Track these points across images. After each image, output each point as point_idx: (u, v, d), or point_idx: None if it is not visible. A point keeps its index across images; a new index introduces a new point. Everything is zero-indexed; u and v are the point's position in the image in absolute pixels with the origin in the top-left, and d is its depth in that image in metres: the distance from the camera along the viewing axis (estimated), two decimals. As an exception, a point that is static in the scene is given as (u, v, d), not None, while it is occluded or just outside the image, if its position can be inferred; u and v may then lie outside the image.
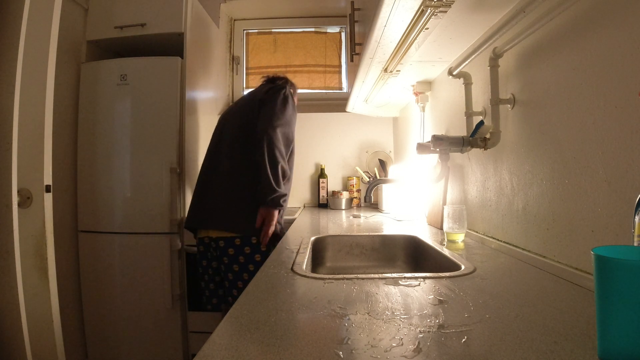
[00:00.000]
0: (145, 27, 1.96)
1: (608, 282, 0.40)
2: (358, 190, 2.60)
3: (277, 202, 1.44)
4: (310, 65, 2.87)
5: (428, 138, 1.26)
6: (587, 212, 0.72)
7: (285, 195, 1.49)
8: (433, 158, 1.54)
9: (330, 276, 0.80)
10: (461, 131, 1.26)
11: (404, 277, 0.78)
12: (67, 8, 1.85)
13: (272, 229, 1.46)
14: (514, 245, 0.98)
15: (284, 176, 1.50)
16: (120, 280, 1.91)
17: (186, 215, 1.77)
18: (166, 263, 1.88)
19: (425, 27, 1.08)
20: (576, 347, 0.45)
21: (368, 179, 2.52)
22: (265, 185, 1.43)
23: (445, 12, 0.98)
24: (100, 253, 1.93)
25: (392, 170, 2.38)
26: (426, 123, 1.75)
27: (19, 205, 1.14)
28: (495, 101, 1.03)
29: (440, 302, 0.63)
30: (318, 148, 2.69)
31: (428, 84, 1.70)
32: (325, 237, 1.32)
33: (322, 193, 2.59)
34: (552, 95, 0.83)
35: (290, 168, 1.60)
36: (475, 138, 1.11)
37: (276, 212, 1.46)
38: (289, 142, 1.56)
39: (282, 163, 1.48)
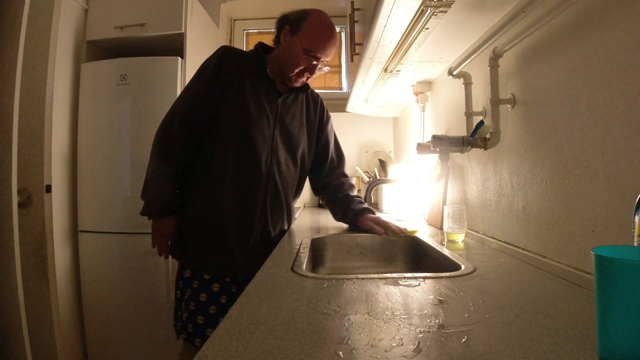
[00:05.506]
0: (145, 27, 1.96)
1: (608, 282, 0.40)
2: (358, 190, 2.59)
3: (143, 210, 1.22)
4: (310, 65, 2.87)
5: (428, 138, 1.26)
6: (587, 212, 0.72)
7: (147, 200, 1.21)
8: (433, 158, 1.54)
9: (330, 276, 0.80)
10: (461, 131, 1.26)
11: (404, 277, 0.78)
12: (67, 8, 1.85)
13: (157, 241, 1.24)
14: (514, 245, 0.98)
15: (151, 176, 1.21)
16: (120, 280, 1.91)
17: None
18: (166, 263, 1.87)
19: (425, 27, 1.08)
20: (576, 347, 0.45)
21: (368, 179, 2.51)
22: None
23: (445, 12, 0.98)
24: (100, 253, 1.93)
25: (392, 170, 2.38)
26: (426, 123, 1.75)
27: (19, 205, 1.14)
28: (495, 101, 1.03)
29: (440, 302, 0.63)
30: (318, 148, 2.69)
31: (428, 84, 1.70)
32: (325, 237, 1.32)
33: (322, 193, 2.59)
34: (552, 95, 0.83)
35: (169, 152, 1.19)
36: (475, 138, 1.11)
37: (155, 222, 1.23)
38: (169, 119, 1.21)
39: (154, 160, 1.21)
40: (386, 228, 1.27)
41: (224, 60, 1.21)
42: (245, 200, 1.21)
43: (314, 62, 1.20)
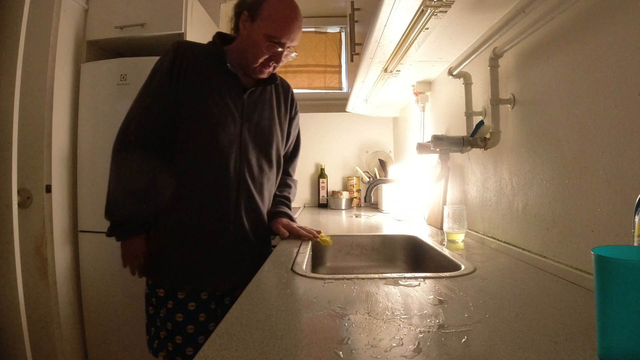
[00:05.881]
0: (145, 27, 1.96)
1: (608, 282, 0.40)
2: (358, 190, 2.59)
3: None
4: (310, 65, 2.87)
5: (428, 138, 1.26)
6: (587, 212, 0.72)
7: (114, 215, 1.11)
8: (433, 158, 1.54)
9: (330, 276, 0.80)
10: (461, 131, 1.26)
11: (404, 277, 0.78)
12: (67, 8, 1.85)
13: (129, 262, 1.17)
14: (514, 245, 0.98)
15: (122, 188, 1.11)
16: (120, 280, 1.90)
17: None
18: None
19: (425, 27, 1.08)
20: (576, 347, 0.45)
21: (368, 179, 2.52)
22: None
23: (445, 12, 0.98)
24: (100, 253, 1.93)
25: (392, 170, 2.38)
26: (426, 123, 1.75)
27: (19, 205, 1.14)
28: (495, 101, 1.03)
29: (440, 302, 0.63)
30: (318, 148, 2.69)
31: (428, 84, 1.70)
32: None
33: (322, 193, 2.59)
34: (552, 95, 0.83)
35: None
36: (475, 138, 1.11)
37: (123, 243, 1.15)
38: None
39: (114, 176, 1.11)
40: (291, 230, 1.21)
41: (177, 55, 1.09)
42: (218, 211, 1.10)
43: (279, 49, 1.07)
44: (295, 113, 1.33)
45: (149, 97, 1.11)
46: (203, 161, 1.09)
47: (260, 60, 1.08)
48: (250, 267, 1.02)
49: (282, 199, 1.30)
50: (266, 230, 1.23)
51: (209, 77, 1.11)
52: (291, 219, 1.27)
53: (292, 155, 1.38)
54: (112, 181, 1.11)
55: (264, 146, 1.18)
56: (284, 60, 1.12)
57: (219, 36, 1.17)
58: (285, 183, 1.35)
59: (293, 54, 1.13)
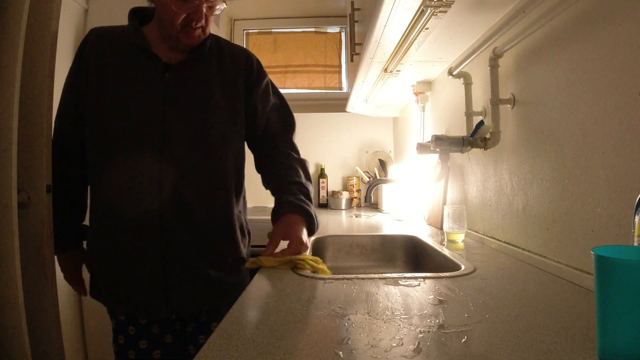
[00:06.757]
0: (145, 27, 1.96)
1: (608, 282, 0.40)
2: (358, 190, 2.60)
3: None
4: (310, 65, 2.87)
5: (428, 138, 1.26)
6: (587, 212, 0.72)
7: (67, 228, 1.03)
8: (433, 158, 1.54)
9: (330, 276, 0.80)
10: (461, 131, 1.26)
11: (404, 277, 0.78)
12: (67, 8, 1.85)
13: (67, 279, 1.07)
14: (514, 245, 0.98)
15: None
16: (120, 280, 1.90)
17: None
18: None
19: (425, 27, 1.08)
20: (576, 347, 0.45)
21: (368, 179, 2.52)
22: None
23: (445, 12, 0.98)
24: (100, 253, 1.93)
25: (392, 170, 2.38)
26: (426, 123, 1.75)
27: (19, 205, 1.14)
28: (495, 101, 1.03)
29: (440, 302, 0.63)
30: (318, 148, 2.69)
31: (428, 84, 1.70)
32: (325, 237, 1.32)
33: (322, 193, 2.59)
34: (552, 95, 0.83)
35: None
36: (475, 138, 1.11)
37: (57, 258, 1.06)
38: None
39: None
40: (291, 241, 0.91)
41: (86, 46, 0.97)
42: (136, 223, 0.91)
43: (195, 3, 0.87)
44: (258, 80, 1.04)
45: (62, 100, 1.03)
46: (113, 162, 0.93)
47: (178, 23, 0.89)
48: (203, 290, 0.92)
49: (288, 184, 1.00)
50: (228, 245, 0.99)
51: (122, 64, 0.95)
52: (305, 215, 0.95)
53: (279, 129, 1.08)
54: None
55: (201, 133, 0.95)
56: (212, 16, 0.93)
57: (134, 13, 0.98)
58: (286, 165, 1.04)
59: (219, 6, 0.92)
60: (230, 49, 1.05)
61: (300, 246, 0.89)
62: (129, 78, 0.94)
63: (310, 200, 1.00)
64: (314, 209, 0.99)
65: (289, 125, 1.11)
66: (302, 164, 1.07)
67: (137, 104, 0.92)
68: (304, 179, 1.03)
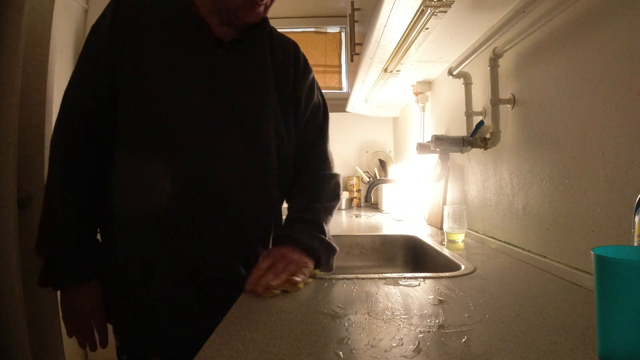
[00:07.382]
0: (145, 27, 1.96)
1: (608, 282, 0.40)
2: (358, 190, 2.59)
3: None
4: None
5: (428, 138, 1.26)
6: (587, 212, 0.72)
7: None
8: (433, 158, 1.54)
9: (330, 276, 0.79)
10: (461, 131, 1.26)
11: (404, 277, 0.78)
12: (67, 8, 1.85)
13: (75, 327, 0.82)
14: (514, 245, 0.98)
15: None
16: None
17: None
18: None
19: (425, 27, 1.08)
20: (576, 347, 0.45)
21: (368, 179, 2.52)
22: None
23: (445, 12, 0.98)
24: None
25: (392, 170, 2.38)
26: (426, 123, 1.75)
27: (19, 205, 1.13)
28: (495, 101, 1.03)
29: (440, 302, 0.63)
30: (318, 148, 2.69)
31: (428, 84, 1.70)
32: (325, 237, 1.32)
33: (322, 193, 2.58)
34: (552, 95, 0.83)
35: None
36: (475, 138, 1.11)
37: (64, 294, 0.78)
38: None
39: (55, 188, 0.77)
40: (259, 275, 0.69)
41: (118, 13, 0.76)
42: (176, 237, 0.74)
43: None
44: (305, 73, 0.92)
45: (89, 67, 0.79)
46: (148, 157, 0.74)
47: None
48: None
49: (295, 213, 0.86)
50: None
51: (164, 32, 0.77)
52: (302, 246, 0.77)
53: (313, 138, 0.95)
54: (52, 190, 0.77)
55: (251, 125, 0.80)
56: None
57: None
58: (307, 182, 0.91)
59: None
60: (279, 36, 0.93)
61: (289, 265, 0.71)
62: (175, 52, 0.76)
63: (319, 225, 0.83)
64: (320, 238, 0.80)
65: (325, 133, 1.00)
66: (329, 181, 0.95)
67: (183, 85, 0.76)
68: (316, 201, 0.88)
